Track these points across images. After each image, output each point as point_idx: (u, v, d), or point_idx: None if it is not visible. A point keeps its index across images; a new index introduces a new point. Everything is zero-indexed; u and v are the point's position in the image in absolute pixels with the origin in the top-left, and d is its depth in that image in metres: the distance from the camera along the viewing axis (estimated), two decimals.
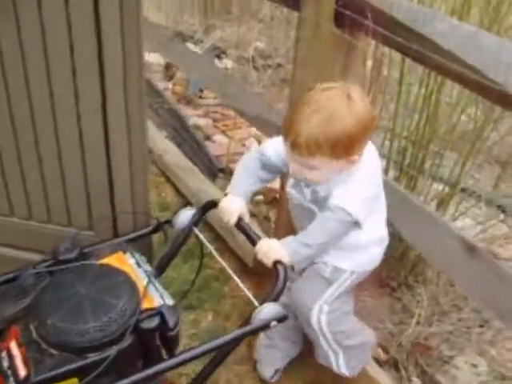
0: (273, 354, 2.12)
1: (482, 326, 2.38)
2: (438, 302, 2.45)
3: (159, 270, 1.71)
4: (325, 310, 1.79)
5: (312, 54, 1.94)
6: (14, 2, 1.57)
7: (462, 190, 2.54)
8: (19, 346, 1.38)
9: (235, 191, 1.74)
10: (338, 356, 1.90)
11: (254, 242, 1.62)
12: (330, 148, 1.55)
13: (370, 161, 1.68)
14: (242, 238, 1.95)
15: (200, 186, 2.88)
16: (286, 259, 1.57)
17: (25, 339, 1.39)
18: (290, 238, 1.65)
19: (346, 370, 1.92)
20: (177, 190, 3.00)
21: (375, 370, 2.11)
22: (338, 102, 1.55)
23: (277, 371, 2.12)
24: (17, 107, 1.73)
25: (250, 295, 1.54)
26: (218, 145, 3.60)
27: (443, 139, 2.32)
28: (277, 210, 2.54)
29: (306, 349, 2.10)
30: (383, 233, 1.83)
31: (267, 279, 1.60)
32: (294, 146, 1.58)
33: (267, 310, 1.46)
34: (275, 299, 1.49)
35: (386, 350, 2.28)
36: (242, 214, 1.71)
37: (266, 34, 4.98)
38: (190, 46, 4.64)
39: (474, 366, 2.23)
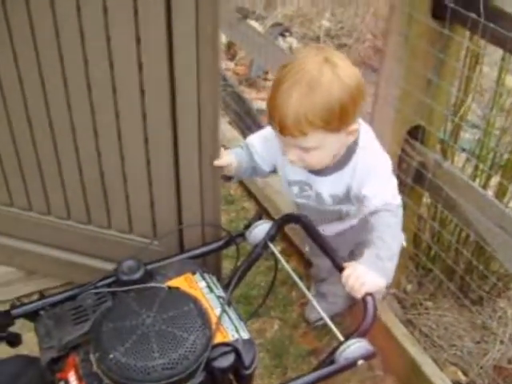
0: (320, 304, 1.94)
1: None
2: None
3: (230, 290, 1.53)
4: None
5: (404, 48, 1.73)
6: None
7: None
8: (79, 379, 1.25)
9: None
10: None
11: (340, 268, 1.43)
12: (322, 121, 1.38)
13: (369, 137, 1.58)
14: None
15: (265, 179, 2.70)
16: (383, 284, 1.41)
17: (85, 371, 1.26)
18: (371, 257, 1.44)
19: None
20: (241, 182, 2.83)
21: None
22: (316, 69, 1.39)
23: (321, 319, 1.95)
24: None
25: (334, 328, 1.37)
26: None
27: None
28: None
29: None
30: None
31: None
32: (282, 128, 1.42)
33: (354, 348, 1.29)
34: (363, 335, 1.32)
35: (465, 373, 2.08)
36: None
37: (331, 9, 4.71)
38: (253, 23, 4.42)
39: None
